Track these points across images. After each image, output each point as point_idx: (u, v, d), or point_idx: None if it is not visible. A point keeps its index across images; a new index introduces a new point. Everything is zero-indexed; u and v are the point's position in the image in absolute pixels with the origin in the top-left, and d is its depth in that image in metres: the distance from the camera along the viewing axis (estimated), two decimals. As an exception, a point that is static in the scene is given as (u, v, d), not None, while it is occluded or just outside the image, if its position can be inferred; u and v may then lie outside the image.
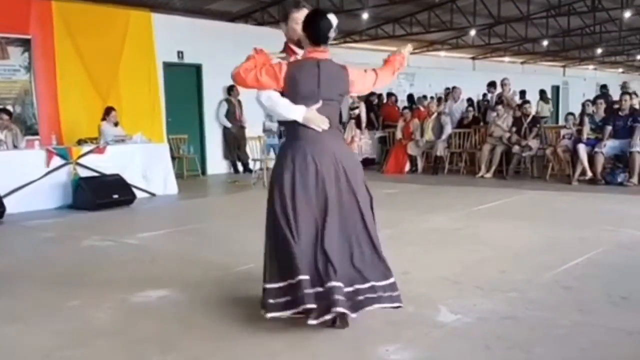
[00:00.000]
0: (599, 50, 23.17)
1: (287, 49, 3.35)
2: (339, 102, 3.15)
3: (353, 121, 12.03)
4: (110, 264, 4.66)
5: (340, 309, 2.84)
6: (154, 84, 9.55)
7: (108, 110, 8.59)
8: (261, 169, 9.68)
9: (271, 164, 10.42)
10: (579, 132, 9.10)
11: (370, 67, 3.27)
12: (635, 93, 9.14)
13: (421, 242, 5.11)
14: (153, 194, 8.40)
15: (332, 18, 3.07)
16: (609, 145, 8.55)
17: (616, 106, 9.25)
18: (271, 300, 2.91)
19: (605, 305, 3.32)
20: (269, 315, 2.91)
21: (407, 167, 11.01)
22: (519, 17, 16.75)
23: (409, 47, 3.38)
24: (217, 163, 11.90)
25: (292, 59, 3.21)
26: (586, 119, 9.16)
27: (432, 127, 10.83)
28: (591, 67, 27.99)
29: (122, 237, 5.68)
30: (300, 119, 3.01)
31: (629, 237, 4.99)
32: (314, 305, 2.84)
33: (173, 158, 9.73)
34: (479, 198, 7.48)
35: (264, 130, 12.35)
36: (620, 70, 30.46)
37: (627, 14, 16.22)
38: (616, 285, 3.64)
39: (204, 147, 11.79)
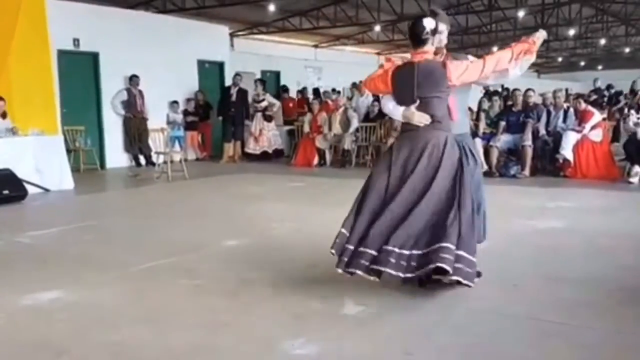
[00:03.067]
0: (495, 48, 24.36)
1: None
2: (440, 97, 3.38)
3: (260, 114, 12.00)
4: (-1, 264, 4.36)
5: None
6: (48, 72, 8.98)
7: (-5, 101, 8.03)
8: (165, 162, 9.38)
9: (175, 157, 10.24)
10: (476, 126, 9.52)
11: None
12: (532, 89, 9.63)
13: (329, 234, 5.13)
14: (47, 190, 7.93)
15: (427, 21, 3.41)
16: (503, 140, 9.01)
17: (509, 102, 9.76)
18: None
19: (499, 292, 3.49)
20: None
21: (316, 160, 11.08)
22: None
23: (542, 33, 3.54)
24: (117, 156, 11.42)
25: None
26: (482, 115, 9.61)
27: (339, 121, 10.97)
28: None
29: (12, 235, 5.32)
30: (400, 118, 3.47)
31: (520, 226, 5.27)
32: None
33: (69, 151, 9.26)
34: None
35: (168, 122, 12.06)
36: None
37: (521, 14, 17.20)
38: (509, 273, 3.84)
39: (102, 139, 11.29)
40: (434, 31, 3.42)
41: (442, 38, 3.58)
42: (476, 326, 2.95)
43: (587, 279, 3.68)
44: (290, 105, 14.12)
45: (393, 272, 3.14)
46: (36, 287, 3.69)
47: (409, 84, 3.39)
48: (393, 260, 3.14)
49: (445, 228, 3.14)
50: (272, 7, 14.83)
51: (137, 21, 11.89)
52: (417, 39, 3.43)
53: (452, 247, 3.09)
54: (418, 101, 3.37)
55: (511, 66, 3.49)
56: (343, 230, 3.39)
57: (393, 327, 2.95)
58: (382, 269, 3.16)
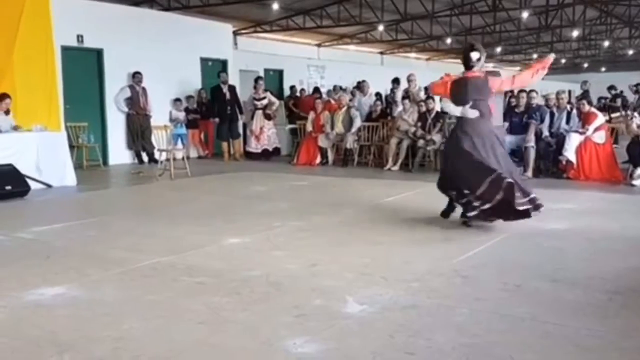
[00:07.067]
0: (499, 49, 24.35)
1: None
2: (484, 100, 5.09)
3: (260, 112, 12.01)
4: (2, 259, 4.37)
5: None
6: (52, 68, 8.98)
7: (1, 97, 8.04)
8: (167, 159, 9.38)
9: (178, 155, 10.27)
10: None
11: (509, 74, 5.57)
12: (534, 91, 9.64)
13: (330, 234, 5.16)
14: (49, 185, 7.94)
15: (473, 54, 5.15)
16: (506, 141, 8.95)
17: (513, 103, 9.75)
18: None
19: (501, 292, 3.49)
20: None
21: (318, 159, 11.08)
22: (424, 15, 17.26)
23: (552, 55, 5.36)
24: (120, 153, 11.45)
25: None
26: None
27: (342, 120, 10.97)
28: (491, 65, 29.39)
29: (15, 231, 5.33)
30: (458, 113, 5.21)
31: (523, 227, 5.26)
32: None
33: (72, 147, 9.27)
34: (387, 190, 7.66)
35: (171, 120, 12.08)
36: (518, 68, 32.19)
37: (525, 14, 17.15)
38: (511, 274, 3.83)
39: (105, 136, 11.31)
40: (479, 59, 5.15)
41: (482, 63, 5.28)
42: (478, 327, 2.95)
43: (590, 281, 3.68)
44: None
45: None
46: (39, 282, 3.71)
47: (463, 91, 5.12)
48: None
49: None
50: (275, 6, 14.82)
51: (141, 18, 11.91)
52: (468, 65, 5.17)
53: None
54: (470, 102, 5.05)
55: (532, 81, 5.27)
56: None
57: (394, 326, 2.95)
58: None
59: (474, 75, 5.13)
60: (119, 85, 11.31)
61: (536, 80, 5.28)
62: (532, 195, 4.99)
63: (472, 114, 5.04)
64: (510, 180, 4.84)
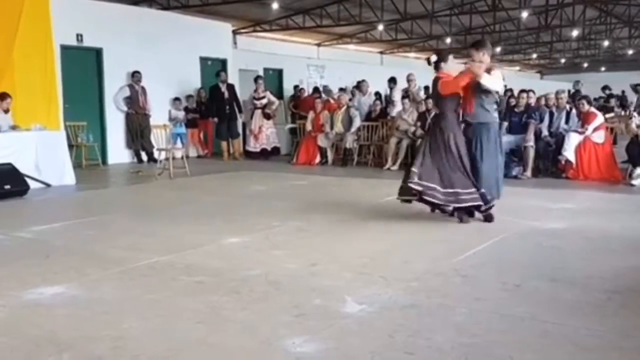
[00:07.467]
0: (498, 49, 24.34)
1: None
2: (441, 99, 5.48)
3: (259, 111, 12.00)
4: (2, 259, 4.36)
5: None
6: (51, 68, 8.99)
7: (2, 96, 8.04)
8: (167, 158, 9.38)
9: (177, 154, 10.26)
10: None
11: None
12: (532, 91, 9.65)
13: (330, 233, 5.16)
14: (48, 185, 7.94)
15: (432, 57, 5.63)
16: (505, 140, 8.94)
17: (512, 103, 9.75)
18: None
19: (500, 292, 3.49)
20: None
21: (317, 158, 11.08)
22: (424, 14, 17.26)
23: (479, 64, 5.27)
24: (119, 152, 11.45)
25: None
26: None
27: (341, 120, 10.97)
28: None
29: (14, 230, 5.33)
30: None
31: (522, 226, 5.28)
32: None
33: (71, 146, 9.27)
34: (386, 190, 7.64)
35: (170, 119, 12.07)
36: (517, 68, 32.23)
37: (525, 14, 17.14)
38: (510, 273, 3.83)
39: (104, 135, 11.31)
40: (438, 62, 5.52)
41: (476, 59, 5.28)
42: (477, 326, 2.95)
43: (588, 281, 3.68)
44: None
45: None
46: (38, 281, 3.70)
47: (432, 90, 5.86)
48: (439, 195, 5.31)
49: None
50: (275, 5, 14.81)
51: (140, 17, 11.92)
52: (432, 66, 5.60)
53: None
54: (432, 100, 5.95)
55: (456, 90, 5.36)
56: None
57: (394, 326, 2.95)
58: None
59: (436, 77, 5.60)
60: (118, 85, 11.31)
61: (489, 82, 5.30)
62: (482, 190, 5.31)
63: (435, 110, 5.80)
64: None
